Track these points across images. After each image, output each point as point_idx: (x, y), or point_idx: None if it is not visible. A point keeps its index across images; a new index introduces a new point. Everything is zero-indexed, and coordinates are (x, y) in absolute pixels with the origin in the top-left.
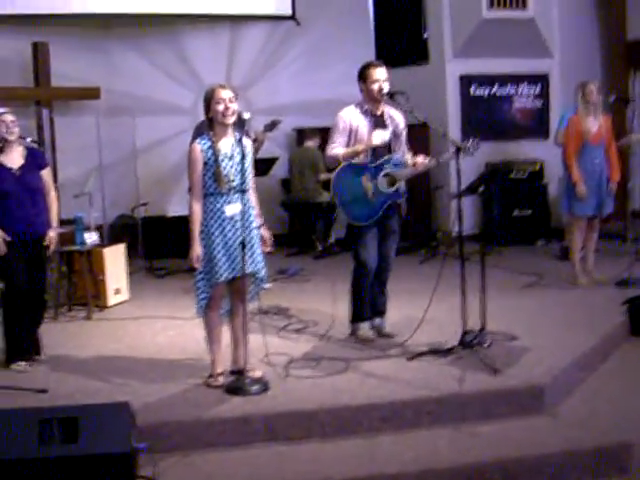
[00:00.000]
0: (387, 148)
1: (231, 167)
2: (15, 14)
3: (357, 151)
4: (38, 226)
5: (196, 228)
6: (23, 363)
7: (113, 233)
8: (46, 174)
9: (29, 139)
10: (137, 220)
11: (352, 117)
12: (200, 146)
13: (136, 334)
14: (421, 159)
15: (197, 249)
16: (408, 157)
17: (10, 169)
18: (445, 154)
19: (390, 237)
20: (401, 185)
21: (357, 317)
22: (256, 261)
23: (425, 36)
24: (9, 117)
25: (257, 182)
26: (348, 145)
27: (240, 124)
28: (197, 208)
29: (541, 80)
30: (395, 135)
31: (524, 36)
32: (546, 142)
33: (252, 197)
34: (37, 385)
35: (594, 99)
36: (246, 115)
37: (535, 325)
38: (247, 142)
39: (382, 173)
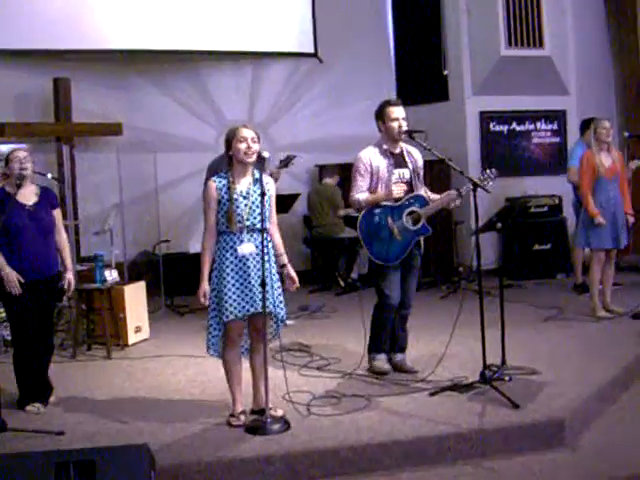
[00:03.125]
0: (408, 186)
1: (245, 206)
2: (36, 49)
3: (378, 200)
4: (48, 266)
5: (205, 265)
6: (37, 404)
7: (134, 270)
8: (57, 214)
9: (49, 175)
10: (158, 257)
11: (372, 158)
12: (216, 184)
13: (156, 373)
14: (444, 195)
15: (204, 286)
16: (429, 193)
17: (24, 205)
18: (465, 186)
19: (412, 273)
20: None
21: (374, 348)
22: (274, 300)
23: (445, 74)
24: (22, 153)
25: (279, 219)
26: (370, 186)
27: (260, 163)
28: (208, 245)
29: (558, 116)
30: (414, 172)
31: (541, 74)
32: (564, 177)
33: (275, 236)
34: (55, 427)
35: (605, 136)
36: (265, 154)
37: (555, 358)
38: (269, 180)
39: (406, 212)
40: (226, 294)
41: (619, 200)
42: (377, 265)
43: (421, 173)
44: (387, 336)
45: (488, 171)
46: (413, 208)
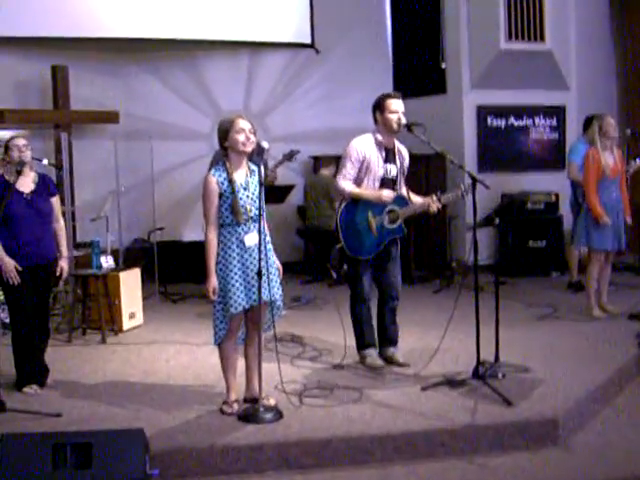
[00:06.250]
0: (393, 183)
1: (247, 197)
2: (35, 37)
3: (364, 197)
4: (45, 252)
5: (212, 260)
6: (35, 386)
7: (129, 257)
8: (55, 202)
9: (45, 161)
10: (153, 245)
11: (366, 148)
12: (215, 178)
13: (150, 359)
14: (421, 199)
15: (213, 281)
16: (411, 194)
17: (22, 193)
18: (448, 194)
19: (392, 264)
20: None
21: (362, 345)
22: (273, 289)
23: (443, 67)
24: (21, 141)
25: (273, 209)
26: (358, 175)
27: (259, 153)
28: (213, 239)
29: (557, 112)
30: (401, 171)
31: (541, 68)
32: (562, 174)
33: (265, 226)
34: (51, 409)
35: (613, 132)
36: (265, 144)
37: (549, 357)
38: (261, 171)
39: (387, 209)
40: (233, 285)
41: (620, 200)
42: (350, 258)
43: (406, 173)
44: (371, 330)
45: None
46: (393, 207)
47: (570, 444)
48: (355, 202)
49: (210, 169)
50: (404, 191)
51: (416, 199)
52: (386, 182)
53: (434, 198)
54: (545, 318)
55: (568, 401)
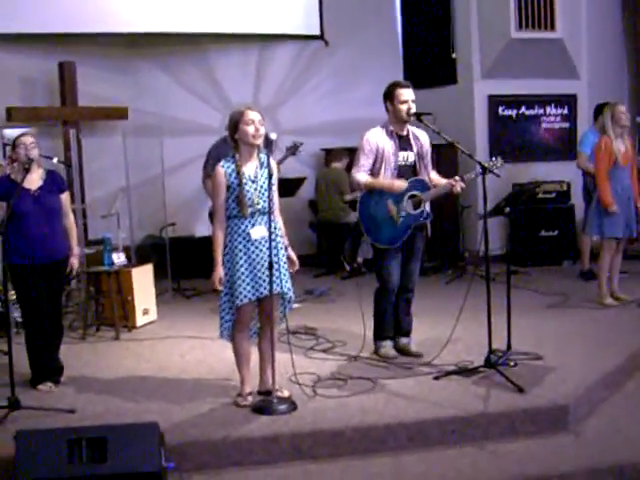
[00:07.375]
0: (412, 169)
1: (255, 190)
2: (42, 33)
3: (377, 186)
4: (54, 248)
5: (218, 251)
6: (49, 383)
7: (141, 254)
8: (65, 198)
9: (55, 159)
10: (165, 240)
11: (378, 139)
12: (224, 169)
13: (164, 354)
14: (445, 181)
15: (219, 271)
16: (435, 177)
17: (28, 190)
18: (469, 173)
19: (414, 257)
20: (426, 206)
21: (379, 335)
22: (283, 282)
23: (453, 57)
24: (28, 139)
25: (284, 203)
26: (374, 167)
27: (267, 145)
28: (219, 231)
29: (568, 101)
30: (419, 156)
31: (552, 57)
32: (573, 163)
33: (278, 219)
34: (65, 405)
35: (625, 120)
36: (273, 136)
37: (560, 344)
38: (273, 163)
39: (407, 195)
40: (239, 277)
41: (632, 187)
42: (376, 248)
43: (428, 157)
44: (390, 322)
45: (494, 159)
46: (414, 192)
47: (580, 430)
48: (371, 192)
49: (206, 162)
50: (426, 176)
51: (439, 181)
52: (403, 169)
53: (457, 178)
54: (557, 306)
55: (579, 388)
